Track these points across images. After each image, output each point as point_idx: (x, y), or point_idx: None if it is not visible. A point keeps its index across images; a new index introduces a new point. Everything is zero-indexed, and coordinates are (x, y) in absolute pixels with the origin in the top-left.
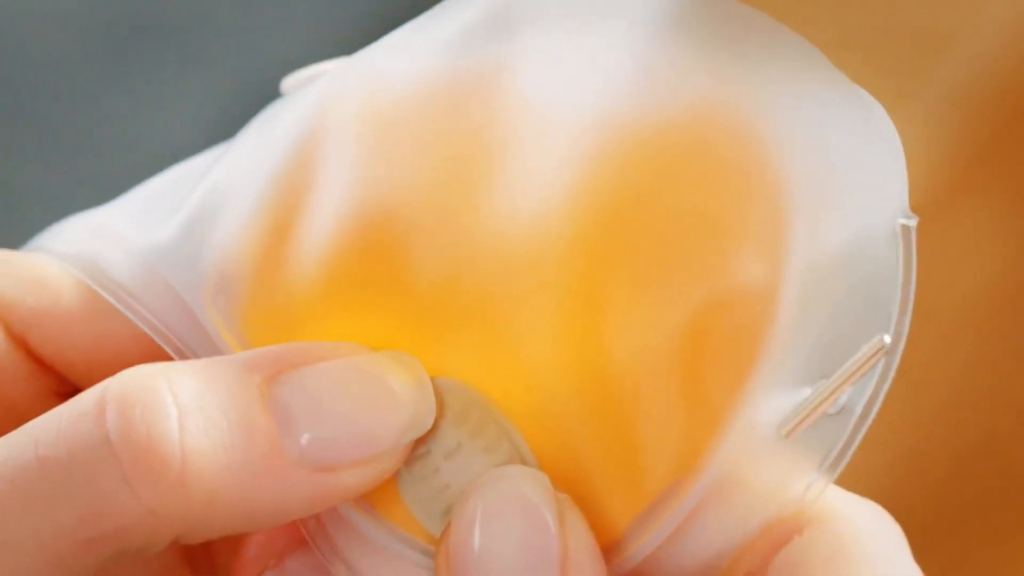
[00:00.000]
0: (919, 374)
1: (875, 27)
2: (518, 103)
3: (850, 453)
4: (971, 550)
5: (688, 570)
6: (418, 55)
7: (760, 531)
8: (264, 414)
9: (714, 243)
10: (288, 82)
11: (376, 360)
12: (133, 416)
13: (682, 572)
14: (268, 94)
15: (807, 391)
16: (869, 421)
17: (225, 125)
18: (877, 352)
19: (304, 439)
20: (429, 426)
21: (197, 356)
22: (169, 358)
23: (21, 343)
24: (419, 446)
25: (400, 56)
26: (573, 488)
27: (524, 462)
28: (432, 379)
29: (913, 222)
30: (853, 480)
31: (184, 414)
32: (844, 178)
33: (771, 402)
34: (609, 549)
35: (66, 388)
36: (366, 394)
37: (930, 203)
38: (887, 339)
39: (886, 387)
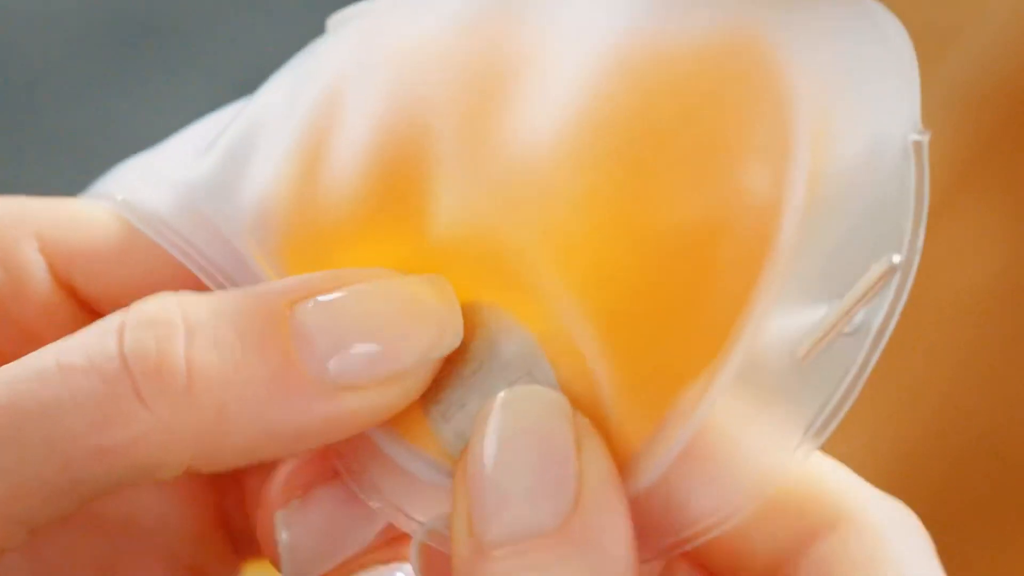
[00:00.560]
0: (919, 374)
1: None
2: (539, 31)
3: (866, 375)
4: (971, 549)
5: (702, 496)
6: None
7: (778, 463)
8: (281, 332)
9: (719, 157)
10: (333, 20)
11: (405, 282)
12: (145, 334)
13: (696, 497)
14: None
15: (820, 310)
16: (884, 342)
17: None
18: (887, 272)
19: (325, 356)
20: (456, 345)
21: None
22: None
23: (66, 284)
24: (449, 373)
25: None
26: (589, 411)
27: (542, 381)
28: (466, 303)
29: (925, 137)
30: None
31: (192, 331)
32: (854, 93)
33: (780, 321)
34: (622, 471)
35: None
36: (391, 312)
37: (930, 202)
38: (896, 259)
39: (900, 306)
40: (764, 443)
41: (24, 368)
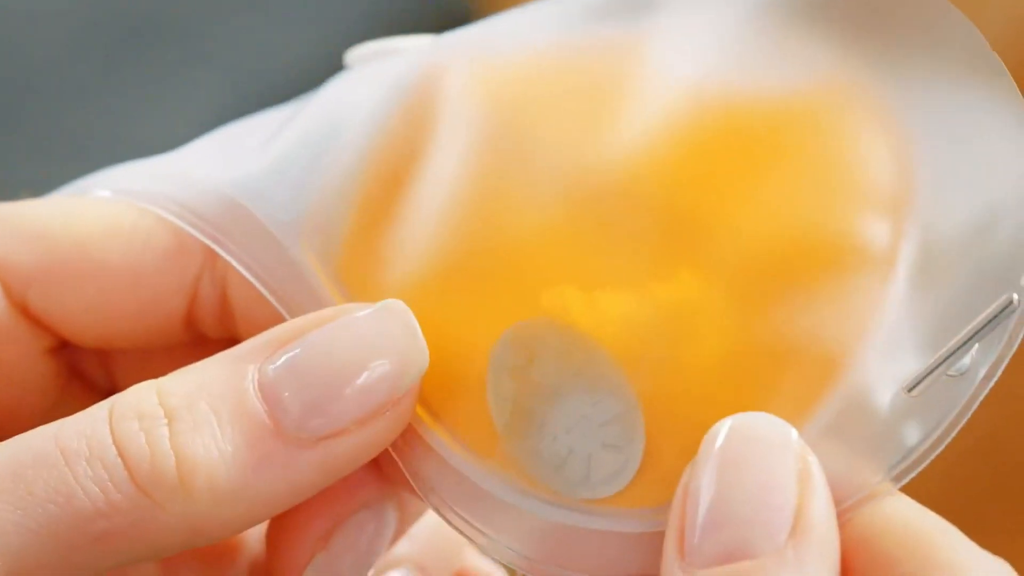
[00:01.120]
0: None
1: None
2: (646, 67)
3: (970, 413)
4: None
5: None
6: (536, 29)
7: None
8: (254, 399)
9: (831, 198)
10: (354, 54)
11: (362, 319)
12: (132, 427)
13: None
14: (268, 94)
15: (927, 355)
16: (992, 383)
17: (224, 125)
18: (1005, 308)
19: (298, 412)
20: (424, 370)
21: (283, 290)
22: (157, 315)
23: (19, 302)
24: (524, 393)
25: (510, 30)
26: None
27: (626, 404)
28: (533, 320)
29: None
30: None
31: (172, 418)
32: (973, 151)
33: (888, 360)
34: None
35: (60, 345)
36: (351, 353)
37: None
38: (1016, 297)
39: (1013, 350)
40: (862, 468)
41: (26, 451)
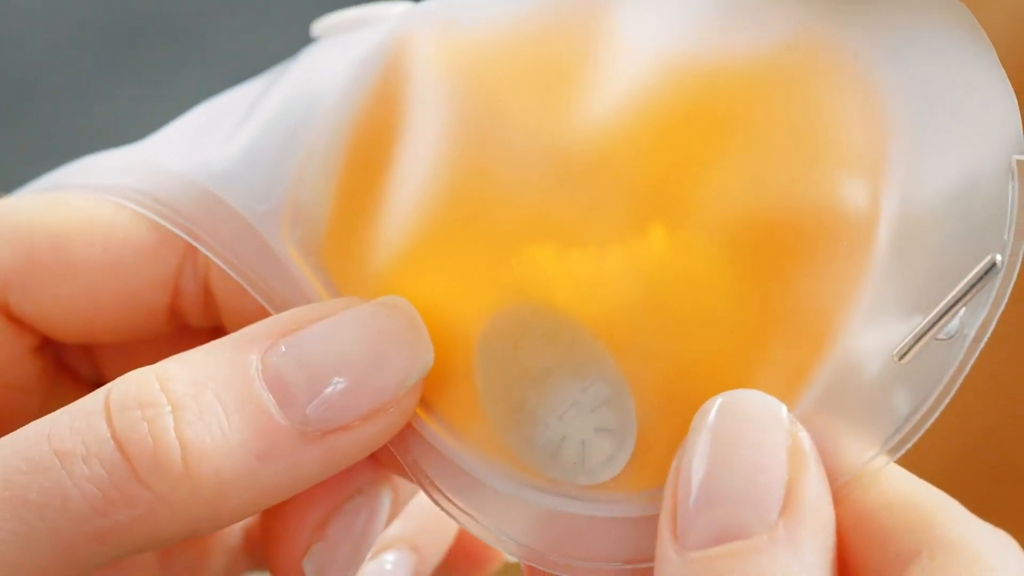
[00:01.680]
0: None
1: None
2: (611, 35)
3: (961, 379)
4: None
5: None
6: (495, 2)
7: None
8: (260, 389)
9: (809, 164)
10: (321, 25)
11: (367, 311)
12: (133, 416)
13: None
14: None
15: (914, 320)
16: (981, 345)
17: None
18: (990, 270)
19: (303, 403)
20: (429, 366)
21: (266, 283)
22: (140, 309)
23: (1, 305)
24: (514, 381)
25: (472, 4)
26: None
27: (616, 387)
28: (516, 307)
29: None
30: None
31: (177, 407)
32: (951, 113)
33: (875, 328)
34: None
35: (44, 343)
36: (358, 346)
37: None
38: (999, 257)
39: (1000, 310)
40: (856, 442)
41: (18, 457)
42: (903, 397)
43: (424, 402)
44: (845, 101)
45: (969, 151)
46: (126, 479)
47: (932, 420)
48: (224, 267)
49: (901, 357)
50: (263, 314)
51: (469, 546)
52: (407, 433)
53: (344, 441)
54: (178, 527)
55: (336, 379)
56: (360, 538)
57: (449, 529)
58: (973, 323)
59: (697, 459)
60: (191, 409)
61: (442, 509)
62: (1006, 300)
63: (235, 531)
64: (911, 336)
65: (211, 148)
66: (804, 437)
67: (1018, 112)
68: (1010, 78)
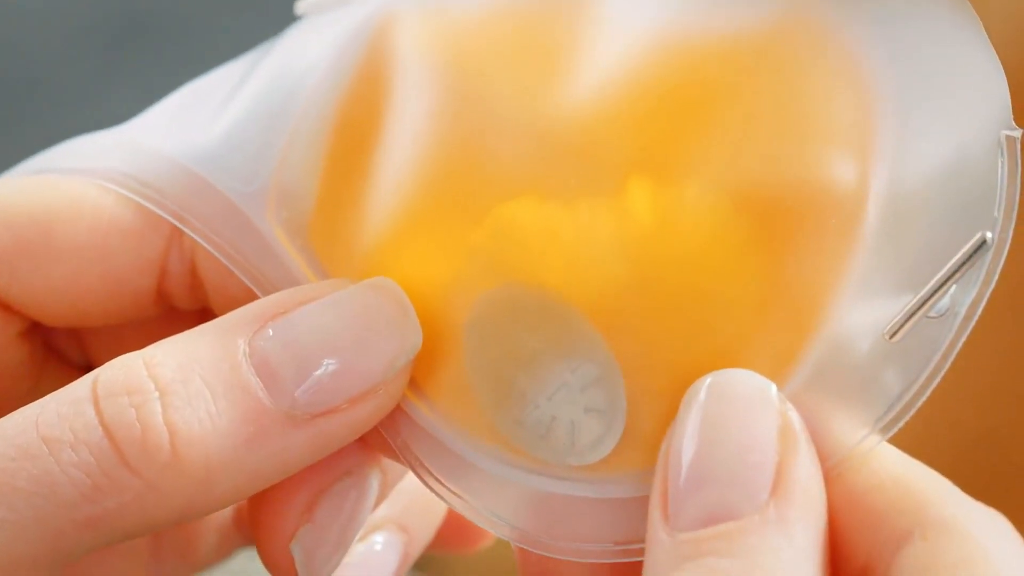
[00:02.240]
0: None
1: None
2: (597, 12)
3: (953, 355)
4: None
5: None
6: None
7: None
8: (248, 373)
9: (796, 141)
10: (305, 4)
11: (355, 293)
12: (121, 403)
13: None
14: None
15: (904, 298)
16: (972, 323)
17: None
18: (980, 247)
19: (292, 386)
20: (417, 348)
21: (253, 265)
22: (127, 293)
23: None
24: (502, 362)
25: None
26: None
27: (605, 366)
28: (506, 287)
29: (1018, 133)
30: None
31: (165, 392)
32: (939, 90)
33: (865, 307)
34: None
35: (32, 328)
36: (347, 330)
37: None
38: (988, 235)
39: (991, 288)
40: (847, 421)
41: (6, 444)
42: (894, 375)
43: (413, 384)
44: (832, 78)
45: (958, 127)
46: (114, 466)
47: (924, 398)
48: (210, 249)
49: (892, 335)
50: (251, 296)
51: (459, 525)
52: (396, 415)
53: (333, 424)
54: (167, 513)
55: (324, 362)
56: (348, 520)
57: (438, 509)
58: (964, 301)
59: (687, 439)
60: (179, 395)
61: (431, 490)
62: (996, 277)
63: (226, 509)
64: (902, 314)
65: (196, 129)
66: (794, 417)
67: (1007, 87)
68: (1010, 78)
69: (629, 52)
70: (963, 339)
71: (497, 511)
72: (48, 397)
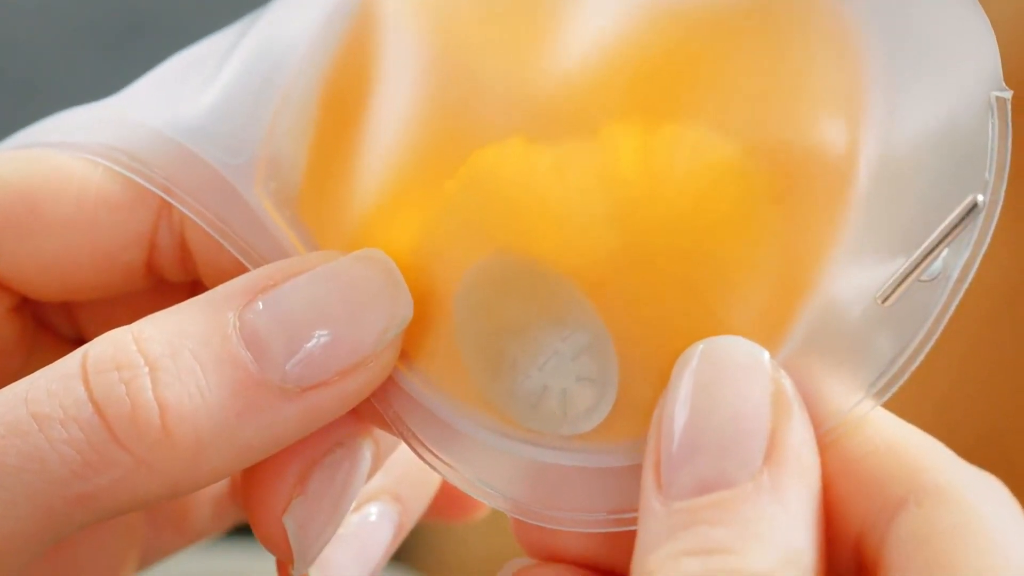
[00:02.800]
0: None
1: None
2: None
3: (946, 319)
4: None
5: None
6: None
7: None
8: (238, 347)
9: (785, 104)
10: None
11: (346, 264)
12: (111, 379)
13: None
14: None
15: (896, 262)
16: (965, 287)
17: None
18: (972, 210)
19: (283, 359)
20: (408, 320)
21: (242, 237)
22: (116, 266)
23: None
24: (493, 333)
25: None
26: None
27: (596, 334)
28: (496, 256)
29: (1008, 94)
30: None
31: (155, 368)
32: (929, 52)
33: (856, 271)
34: None
35: (22, 303)
36: (337, 302)
37: None
38: (980, 197)
39: (983, 250)
40: (840, 387)
41: None
42: (887, 340)
43: (404, 355)
44: (822, 42)
45: (948, 90)
46: (104, 442)
47: (917, 363)
48: (199, 222)
49: (884, 300)
50: (240, 268)
51: (453, 495)
52: (388, 386)
53: (324, 397)
54: (158, 488)
55: (315, 335)
56: (341, 492)
57: (432, 480)
58: (956, 264)
59: (679, 407)
60: (168, 370)
61: (424, 461)
62: (988, 240)
63: (221, 481)
64: (894, 278)
65: (183, 101)
66: (787, 383)
67: (996, 48)
68: (1009, 78)
69: (621, 19)
70: (955, 303)
71: (490, 481)
72: (38, 373)
